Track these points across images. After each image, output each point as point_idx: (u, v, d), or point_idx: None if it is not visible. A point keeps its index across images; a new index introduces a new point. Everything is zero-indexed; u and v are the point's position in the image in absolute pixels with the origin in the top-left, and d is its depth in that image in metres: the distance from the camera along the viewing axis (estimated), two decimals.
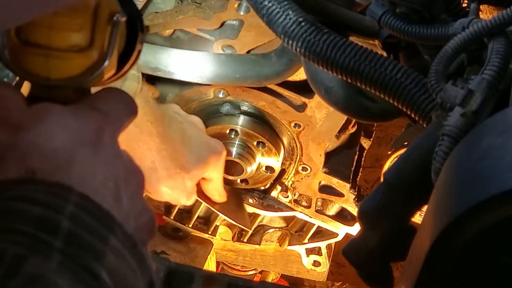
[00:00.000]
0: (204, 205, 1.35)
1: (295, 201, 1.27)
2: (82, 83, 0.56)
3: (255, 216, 1.35)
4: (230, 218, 1.25)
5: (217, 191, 1.17)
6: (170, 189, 1.06)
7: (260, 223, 1.37)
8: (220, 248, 1.41)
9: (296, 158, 1.21)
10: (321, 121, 1.13)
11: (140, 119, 0.95)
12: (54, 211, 0.47)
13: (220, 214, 1.24)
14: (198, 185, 1.13)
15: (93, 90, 0.60)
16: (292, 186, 1.26)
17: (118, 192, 0.54)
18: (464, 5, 0.75)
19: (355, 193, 1.21)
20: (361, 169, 1.25)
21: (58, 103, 0.54)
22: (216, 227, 1.36)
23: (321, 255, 1.37)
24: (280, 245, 1.36)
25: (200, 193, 1.16)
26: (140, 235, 0.55)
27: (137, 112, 0.61)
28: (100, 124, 0.55)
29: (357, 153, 1.23)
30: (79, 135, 0.53)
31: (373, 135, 1.26)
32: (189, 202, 1.12)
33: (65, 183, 0.49)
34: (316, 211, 1.26)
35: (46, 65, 0.54)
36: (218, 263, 1.47)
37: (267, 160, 1.20)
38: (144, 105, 0.95)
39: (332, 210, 1.27)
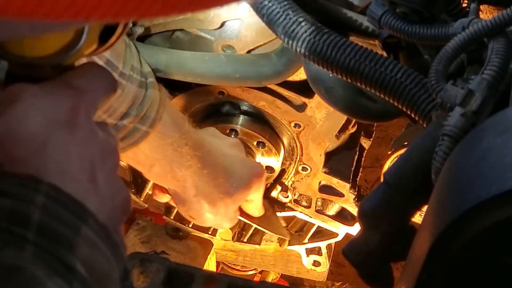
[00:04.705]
0: None
1: (295, 201, 1.27)
2: (58, 61, 0.56)
3: None
4: (267, 229, 1.24)
5: (256, 209, 1.18)
6: (213, 215, 1.07)
7: None
8: (220, 248, 1.41)
9: (296, 158, 1.21)
10: (321, 121, 1.13)
11: (178, 142, 0.96)
12: (24, 203, 0.47)
13: (257, 227, 1.23)
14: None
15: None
16: (292, 186, 1.26)
17: (94, 172, 0.54)
18: (464, 5, 0.75)
19: (355, 193, 1.21)
20: (361, 169, 1.25)
21: (35, 81, 0.54)
22: None
23: (321, 255, 1.37)
24: (280, 245, 1.36)
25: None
26: (115, 215, 0.55)
27: (116, 88, 0.61)
28: (75, 102, 0.54)
29: (357, 153, 1.23)
30: (52, 116, 0.52)
31: (373, 135, 1.26)
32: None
33: (38, 172, 0.49)
34: (316, 211, 1.26)
35: (21, 43, 0.54)
36: (218, 263, 1.47)
37: (267, 160, 1.20)
38: (178, 127, 0.96)
39: (332, 210, 1.27)
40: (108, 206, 0.54)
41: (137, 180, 1.24)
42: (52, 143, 0.51)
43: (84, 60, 0.59)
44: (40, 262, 0.44)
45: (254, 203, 1.15)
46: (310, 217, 1.28)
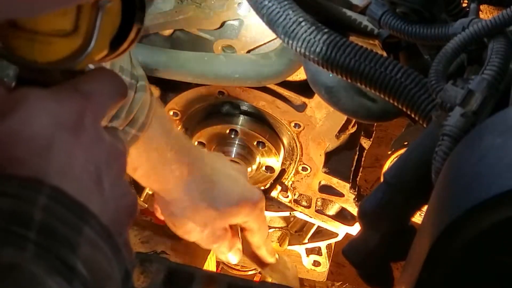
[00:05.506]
0: None
1: (295, 201, 1.27)
2: (68, 66, 0.56)
3: None
4: (280, 280, 1.18)
5: (262, 246, 1.10)
6: (197, 226, 1.01)
7: None
8: None
9: (296, 158, 1.21)
10: (321, 121, 1.14)
11: (163, 147, 0.95)
12: (26, 203, 0.47)
13: (269, 276, 1.18)
14: (245, 242, 1.08)
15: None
16: (292, 186, 1.26)
17: (99, 175, 0.53)
18: (464, 5, 0.75)
19: (355, 193, 1.21)
20: (361, 169, 1.25)
21: (45, 86, 0.54)
22: None
23: (321, 255, 1.37)
24: (280, 245, 1.36)
25: (249, 254, 1.10)
26: (120, 218, 0.55)
27: (126, 95, 0.61)
28: (82, 106, 0.54)
29: (357, 153, 1.23)
30: (59, 119, 0.52)
31: (373, 135, 1.26)
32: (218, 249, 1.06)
33: (40, 174, 0.49)
34: (316, 211, 1.26)
35: (32, 49, 0.54)
36: (218, 263, 1.47)
37: (267, 160, 1.20)
38: (165, 132, 0.95)
39: (332, 210, 1.27)
40: (111, 209, 0.54)
41: None
42: (56, 145, 0.51)
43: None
44: (41, 261, 0.44)
45: (256, 237, 1.08)
46: (310, 217, 1.28)
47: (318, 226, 1.31)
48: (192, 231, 1.02)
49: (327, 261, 1.38)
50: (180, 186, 0.99)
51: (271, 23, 0.80)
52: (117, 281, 0.51)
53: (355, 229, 1.25)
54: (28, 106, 0.51)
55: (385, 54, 0.80)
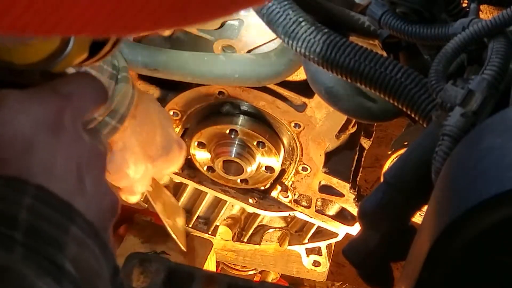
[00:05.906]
0: (204, 205, 1.35)
1: (295, 201, 1.27)
2: (46, 67, 0.56)
3: (255, 216, 1.35)
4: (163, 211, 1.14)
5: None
6: (132, 175, 0.98)
7: (260, 223, 1.37)
8: (220, 248, 1.41)
9: (296, 158, 1.21)
10: (321, 121, 1.14)
11: None
12: (12, 204, 0.47)
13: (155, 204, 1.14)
14: None
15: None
16: (292, 186, 1.26)
17: (80, 175, 0.54)
18: (464, 5, 0.75)
19: (355, 193, 1.21)
20: (361, 169, 1.25)
21: (24, 87, 0.54)
22: (216, 227, 1.36)
23: (321, 255, 1.37)
24: (280, 245, 1.36)
25: None
26: (102, 217, 0.55)
27: (106, 100, 0.60)
28: (61, 106, 0.54)
29: (357, 153, 1.23)
30: (37, 118, 0.52)
31: (373, 135, 1.26)
32: (135, 199, 1.03)
33: (24, 173, 0.49)
34: (316, 211, 1.26)
35: (9, 50, 0.54)
36: (218, 263, 1.47)
37: (267, 160, 1.20)
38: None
39: (332, 210, 1.27)
40: (95, 207, 0.54)
41: None
42: (37, 144, 0.51)
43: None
44: (30, 262, 0.44)
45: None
46: (310, 217, 1.28)
47: (318, 226, 1.31)
48: (124, 177, 0.98)
49: (327, 261, 1.38)
50: (125, 138, 0.96)
51: (271, 23, 0.80)
52: (106, 279, 0.51)
53: (355, 229, 1.25)
54: (6, 108, 0.51)
55: (385, 54, 0.80)
